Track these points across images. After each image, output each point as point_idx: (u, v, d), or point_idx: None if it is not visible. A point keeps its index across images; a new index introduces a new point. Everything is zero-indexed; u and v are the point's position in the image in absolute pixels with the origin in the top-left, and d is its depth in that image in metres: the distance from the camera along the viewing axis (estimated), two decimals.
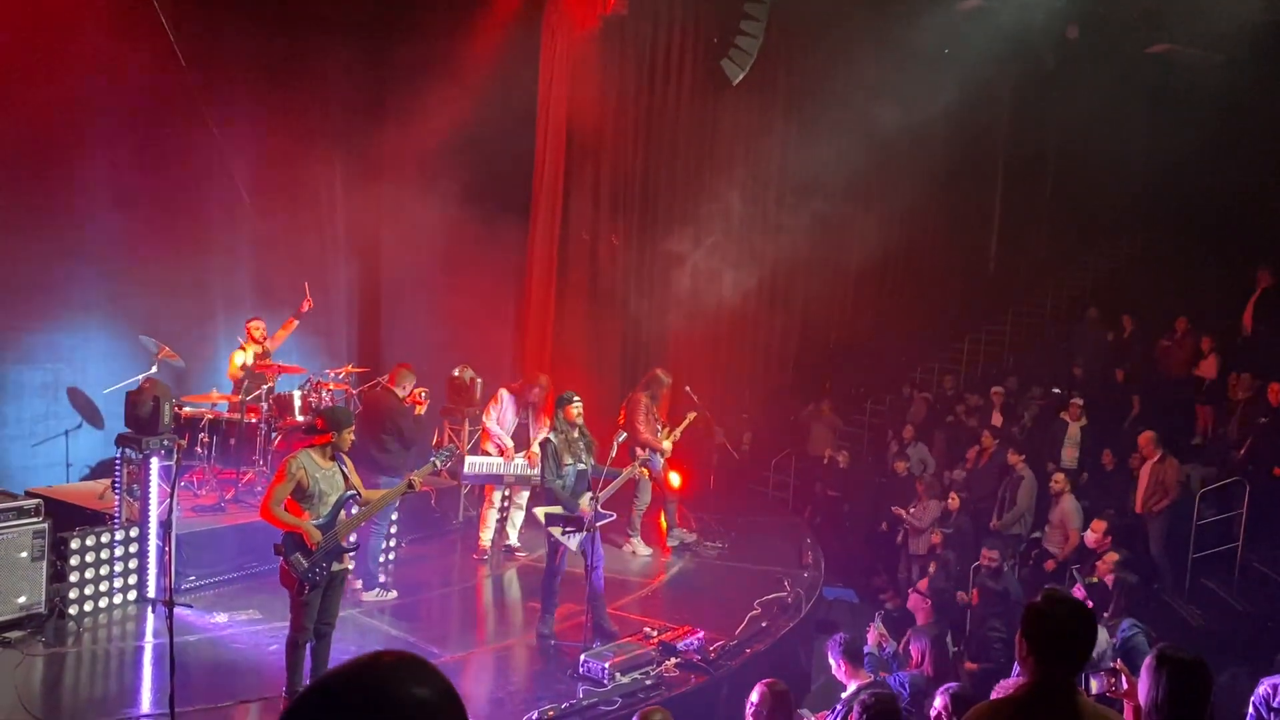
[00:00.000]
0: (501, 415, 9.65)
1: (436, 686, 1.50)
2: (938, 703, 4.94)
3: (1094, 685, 5.39)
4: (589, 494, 7.53)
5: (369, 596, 8.45)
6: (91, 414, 9.91)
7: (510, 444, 9.62)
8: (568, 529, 7.51)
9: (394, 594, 8.59)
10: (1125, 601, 7.22)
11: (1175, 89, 15.04)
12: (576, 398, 7.81)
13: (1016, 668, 5.31)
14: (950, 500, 10.82)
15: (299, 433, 9.26)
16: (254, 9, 10.81)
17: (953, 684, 5.40)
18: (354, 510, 6.33)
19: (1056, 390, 14.03)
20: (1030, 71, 16.38)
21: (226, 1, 10.66)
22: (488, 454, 9.66)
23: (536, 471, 9.51)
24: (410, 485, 6.57)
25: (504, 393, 9.73)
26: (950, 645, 7.26)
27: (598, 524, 7.54)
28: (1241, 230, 15.02)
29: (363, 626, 7.97)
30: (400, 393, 8.82)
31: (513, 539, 10.00)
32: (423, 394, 9.21)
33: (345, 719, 1.45)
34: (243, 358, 9.69)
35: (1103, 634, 6.74)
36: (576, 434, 7.70)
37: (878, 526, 12.30)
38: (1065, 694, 2.98)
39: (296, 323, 10.08)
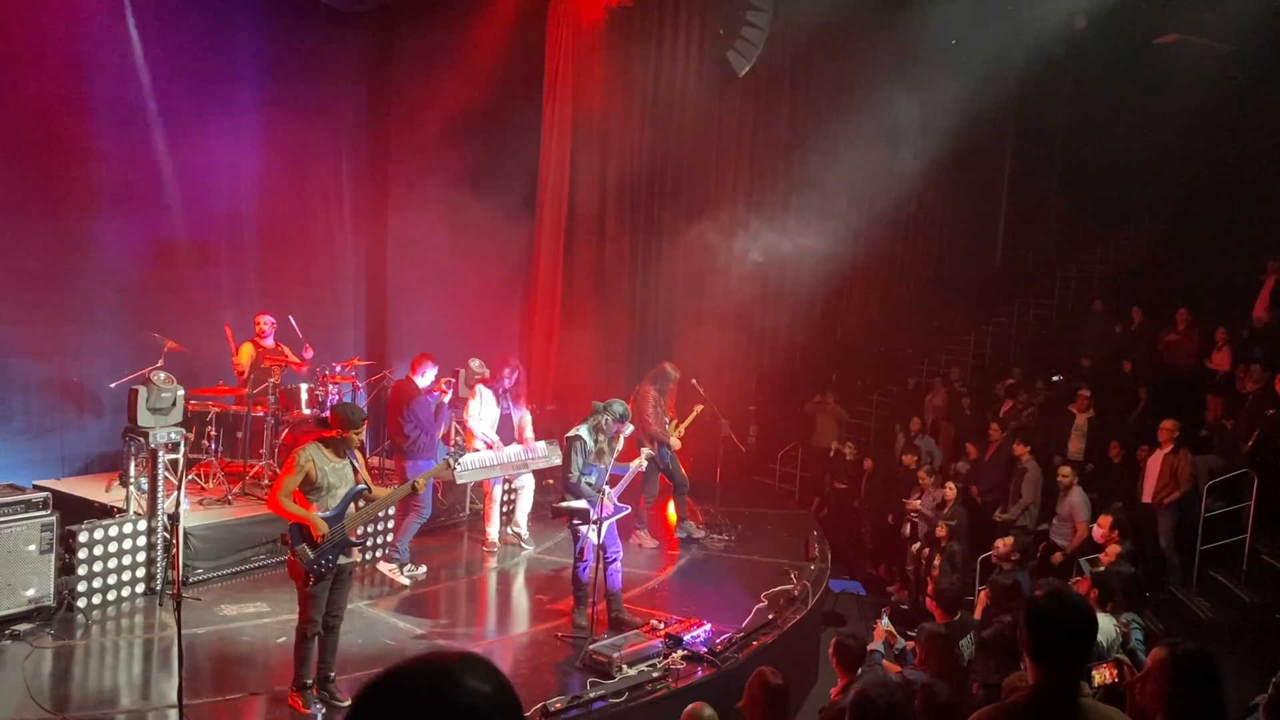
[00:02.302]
0: (482, 410, 9.65)
1: (498, 682, 1.55)
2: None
3: (1097, 677, 5.40)
4: (608, 488, 7.70)
5: (384, 567, 8.74)
6: (98, 408, 9.92)
7: (496, 438, 9.64)
8: (576, 521, 7.61)
9: (406, 581, 8.73)
10: (1121, 593, 7.19)
11: (1183, 79, 14.96)
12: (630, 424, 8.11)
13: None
14: (947, 490, 10.78)
15: (307, 425, 9.31)
16: (262, 3, 10.80)
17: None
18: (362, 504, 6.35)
19: (1057, 378, 13.98)
20: (1038, 62, 16.32)
21: None
22: (475, 450, 9.65)
23: (532, 456, 9.63)
24: (414, 488, 6.66)
25: (480, 387, 9.70)
26: (967, 650, 7.23)
27: (615, 516, 7.70)
28: (1251, 220, 14.95)
29: (370, 619, 7.99)
30: (421, 381, 8.97)
31: (522, 528, 10.02)
32: (445, 384, 9.31)
33: (413, 712, 1.50)
34: (247, 356, 9.71)
35: (1109, 624, 6.71)
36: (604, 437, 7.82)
37: (884, 519, 12.28)
38: (1068, 694, 2.96)
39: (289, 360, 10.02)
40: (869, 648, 6.24)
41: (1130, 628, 6.82)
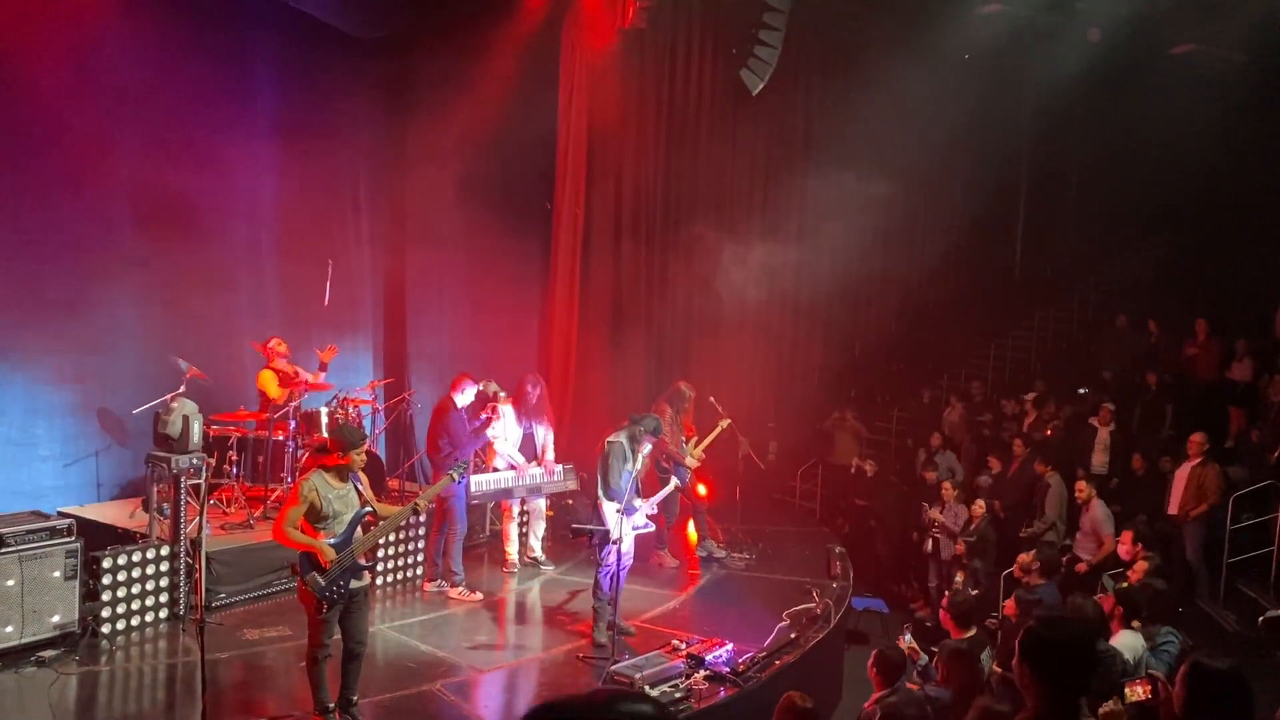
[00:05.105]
0: (506, 430, 9.66)
1: (657, 706, 1.60)
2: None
3: (1130, 694, 5.33)
4: (640, 499, 8.04)
5: (454, 594, 8.92)
6: (121, 434, 10.00)
7: (521, 459, 9.65)
8: (595, 542, 7.79)
9: (479, 595, 8.97)
10: (1150, 608, 7.11)
11: (1199, 89, 14.90)
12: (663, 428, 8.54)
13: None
14: (975, 506, 10.70)
15: (317, 451, 9.35)
16: (278, 31, 10.93)
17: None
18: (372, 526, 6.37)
19: (1082, 390, 13.90)
20: (1052, 75, 16.29)
21: (252, 24, 10.78)
22: (496, 469, 9.66)
23: (547, 479, 9.66)
24: (415, 509, 6.60)
25: (503, 406, 9.72)
26: (987, 664, 7.18)
27: (641, 530, 8.12)
28: (1271, 230, 14.84)
29: (393, 641, 8.00)
30: (460, 399, 9.12)
31: (537, 551, 10.01)
32: (492, 408, 9.40)
33: None
34: (273, 383, 9.73)
35: (1136, 641, 6.65)
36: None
37: (906, 535, 12.21)
38: (1070, 716, 2.93)
39: (323, 375, 10.14)
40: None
41: (1165, 643, 6.73)
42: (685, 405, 10.25)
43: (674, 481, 9.02)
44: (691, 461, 10.14)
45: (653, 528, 8.49)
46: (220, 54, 10.54)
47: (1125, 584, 7.38)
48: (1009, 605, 8.19)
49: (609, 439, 8.11)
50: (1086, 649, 3.02)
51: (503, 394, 9.66)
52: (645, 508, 8.17)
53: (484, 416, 9.27)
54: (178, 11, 10.12)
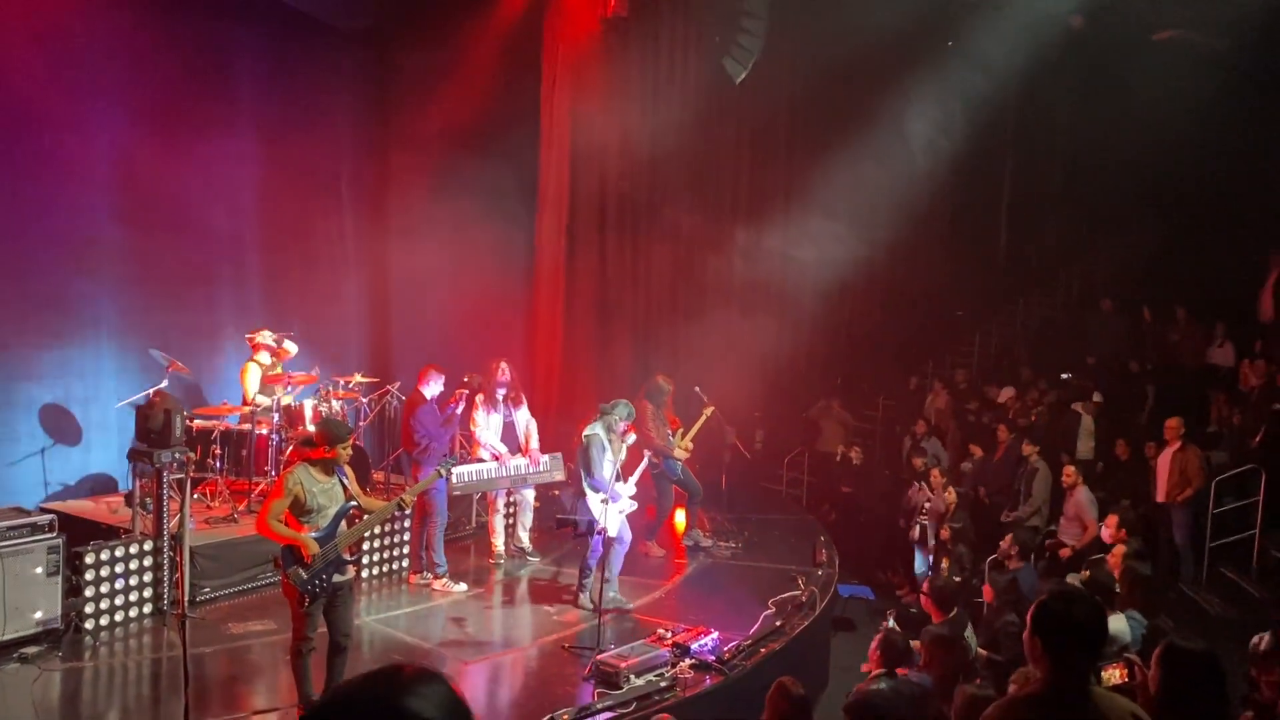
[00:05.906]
0: (486, 421, 9.65)
1: (446, 702, 1.53)
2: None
3: (1107, 677, 5.37)
4: (620, 483, 8.32)
5: (437, 585, 8.98)
6: (104, 429, 9.95)
7: (504, 449, 9.60)
8: (580, 533, 8.00)
9: (464, 586, 9.02)
10: (1132, 592, 7.16)
11: (1182, 75, 14.93)
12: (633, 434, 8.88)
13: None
14: (948, 493, 10.73)
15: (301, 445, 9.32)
16: (258, 21, 10.86)
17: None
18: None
19: (1065, 376, 13.96)
20: (1036, 61, 16.32)
21: (231, 14, 10.71)
22: (481, 460, 9.64)
23: (533, 470, 9.66)
24: (401, 504, 6.61)
25: (478, 398, 9.68)
26: (973, 643, 7.21)
27: (628, 510, 8.46)
28: (1254, 215, 14.91)
29: (378, 635, 8.00)
30: (427, 391, 9.07)
31: (524, 542, 10.00)
32: (460, 395, 9.39)
33: None
34: (255, 378, 9.66)
35: (1120, 624, 6.69)
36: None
37: (892, 522, 12.23)
38: (1080, 689, 2.96)
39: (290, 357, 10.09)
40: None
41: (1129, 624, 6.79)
42: (664, 398, 10.25)
43: (646, 458, 9.31)
44: (680, 453, 10.15)
45: (636, 506, 8.63)
46: (200, 44, 10.48)
47: (1087, 573, 7.43)
48: (988, 589, 8.25)
49: (585, 432, 8.33)
50: (1098, 623, 3.04)
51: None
52: (627, 489, 8.45)
53: (451, 407, 9.25)
54: (157, 1, 10.06)
